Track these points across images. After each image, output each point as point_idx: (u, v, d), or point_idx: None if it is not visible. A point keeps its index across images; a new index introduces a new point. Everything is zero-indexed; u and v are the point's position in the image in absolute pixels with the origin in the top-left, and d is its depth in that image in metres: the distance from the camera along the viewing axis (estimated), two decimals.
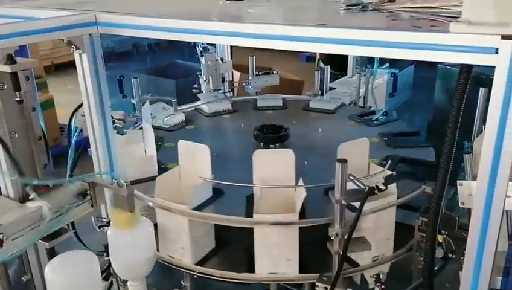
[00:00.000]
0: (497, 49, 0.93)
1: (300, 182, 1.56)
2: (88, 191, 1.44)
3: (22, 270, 1.50)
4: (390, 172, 1.57)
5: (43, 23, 1.31)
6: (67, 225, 1.92)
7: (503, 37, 0.92)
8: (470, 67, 1.04)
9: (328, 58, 2.85)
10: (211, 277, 1.57)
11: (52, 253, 1.50)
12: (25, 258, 1.47)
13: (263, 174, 1.57)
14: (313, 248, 1.59)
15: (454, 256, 1.57)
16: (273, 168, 1.55)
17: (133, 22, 1.44)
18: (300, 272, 1.53)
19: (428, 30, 1.08)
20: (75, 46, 1.46)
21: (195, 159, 1.62)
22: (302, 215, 1.50)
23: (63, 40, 1.43)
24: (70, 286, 1.31)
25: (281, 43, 1.21)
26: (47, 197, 1.33)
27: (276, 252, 1.50)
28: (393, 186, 1.49)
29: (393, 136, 2.08)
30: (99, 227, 1.71)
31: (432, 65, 3.58)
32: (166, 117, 2.32)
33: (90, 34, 1.45)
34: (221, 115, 2.51)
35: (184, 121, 2.39)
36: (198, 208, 1.56)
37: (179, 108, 2.46)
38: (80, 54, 1.47)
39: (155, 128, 2.23)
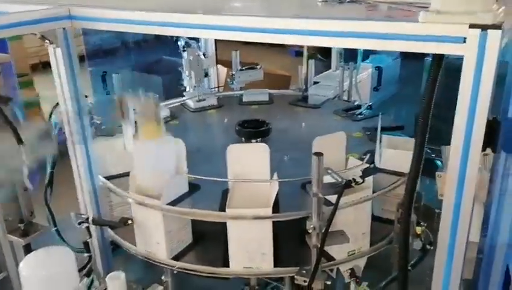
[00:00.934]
0: (465, 38, 0.93)
1: (275, 177, 1.55)
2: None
3: None
4: (367, 165, 1.56)
5: (13, 17, 1.30)
6: (48, 222, 1.94)
7: (471, 26, 0.92)
8: (441, 57, 1.04)
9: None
10: (188, 272, 1.57)
11: (28, 250, 1.49)
12: (1, 255, 1.46)
13: (237, 169, 1.56)
14: (289, 242, 1.59)
15: (432, 247, 1.57)
16: (248, 162, 1.54)
17: (108, 15, 1.42)
18: (276, 266, 1.52)
19: (398, 20, 1.07)
20: (49, 40, 1.44)
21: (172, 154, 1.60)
22: (277, 209, 1.49)
23: (35, 34, 1.42)
24: (45, 282, 1.29)
25: (259, 36, 1.20)
26: None
27: (250, 247, 1.50)
28: (369, 180, 1.49)
29: (376, 130, 2.07)
30: (79, 223, 1.70)
31: (419, 58, 3.58)
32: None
33: (64, 28, 1.44)
34: (206, 110, 2.50)
35: (169, 116, 2.37)
36: (174, 202, 1.54)
37: (163, 103, 2.44)
38: (54, 49, 1.46)
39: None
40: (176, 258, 1.58)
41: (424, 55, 3.67)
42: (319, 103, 2.48)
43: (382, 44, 1.03)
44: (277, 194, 1.52)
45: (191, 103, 2.51)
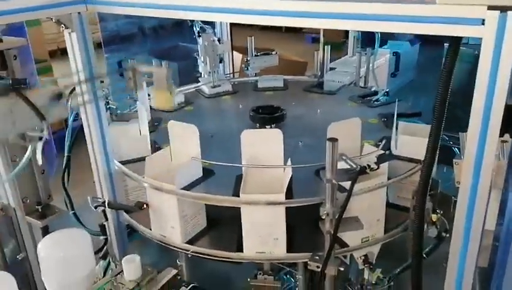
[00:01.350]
0: (483, 20, 0.90)
1: (288, 163, 1.54)
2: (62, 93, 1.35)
3: (17, 248, 1.51)
4: (383, 151, 1.55)
5: (29, 1, 1.30)
6: (66, 205, 1.97)
7: (490, 8, 0.89)
8: (459, 40, 1.02)
9: None
10: (201, 256, 1.58)
11: (45, 231, 1.52)
12: (20, 236, 1.49)
13: (251, 154, 1.55)
14: (303, 228, 1.59)
15: (448, 235, 1.55)
16: (262, 148, 1.54)
17: None
18: (289, 251, 1.52)
19: (416, 2, 1.04)
20: (64, 25, 1.45)
21: (185, 140, 1.61)
22: (290, 195, 1.49)
23: (51, 19, 1.42)
24: (62, 263, 1.31)
25: (268, 18, 1.18)
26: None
27: (263, 232, 1.50)
28: (384, 167, 1.47)
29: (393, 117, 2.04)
30: (95, 207, 1.72)
31: (438, 44, 3.50)
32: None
33: (79, 13, 1.44)
34: (221, 96, 2.51)
35: (183, 102, 2.38)
36: (188, 187, 1.55)
37: (178, 90, 2.45)
38: (69, 34, 1.46)
39: (154, 109, 2.24)
40: (190, 242, 1.60)
41: (443, 40, 3.59)
42: (335, 89, 2.46)
43: (398, 26, 1.01)
44: (291, 180, 1.51)
45: (206, 89, 2.51)
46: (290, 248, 1.53)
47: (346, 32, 2.87)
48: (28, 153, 1.25)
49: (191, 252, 1.58)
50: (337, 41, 3.31)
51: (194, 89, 2.58)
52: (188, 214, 1.57)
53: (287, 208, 1.48)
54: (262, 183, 1.52)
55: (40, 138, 1.23)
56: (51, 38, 5.31)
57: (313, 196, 1.48)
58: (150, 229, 1.66)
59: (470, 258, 1.09)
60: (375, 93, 2.33)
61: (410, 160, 1.66)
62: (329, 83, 2.46)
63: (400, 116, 2.01)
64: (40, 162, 1.32)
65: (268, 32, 5.66)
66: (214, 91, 2.50)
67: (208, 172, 1.65)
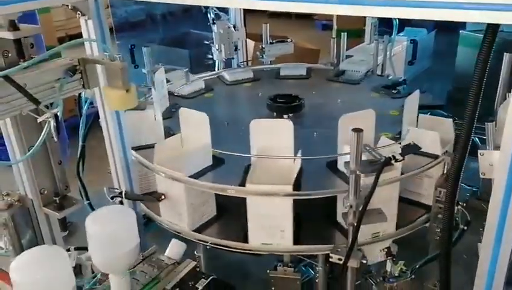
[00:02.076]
0: None
1: (299, 154, 1.51)
2: (78, 67, 1.27)
3: (34, 240, 1.49)
4: (409, 142, 1.50)
5: None
6: (81, 195, 1.95)
7: None
8: (496, 27, 0.97)
9: None
10: (206, 244, 1.59)
11: (63, 223, 1.50)
12: (37, 228, 1.47)
13: (261, 144, 1.53)
14: (311, 220, 1.59)
15: (466, 228, 1.53)
16: (271, 138, 1.51)
17: None
18: (296, 243, 1.52)
19: None
20: (81, 12, 1.41)
21: (196, 127, 1.60)
22: (299, 187, 1.47)
23: (67, 6, 1.39)
24: (109, 238, 1.25)
25: (284, 4, 1.15)
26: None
27: (269, 223, 1.49)
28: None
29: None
30: (112, 198, 1.70)
31: (453, 31, 3.44)
32: (180, 86, 2.28)
33: (95, 0, 1.41)
34: (242, 83, 2.47)
35: (204, 88, 2.36)
36: (196, 175, 1.54)
37: (198, 76, 2.44)
38: (85, 21, 1.43)
39: (172, 95, 2.23)
40: (198, 230, 1.59)
41: (457, 27, 3.53)
42: (357, 79, 2.41)
43: (434, 14, 0.97)
44: (300, 172, 1.49)
45: (227, 76, 2.48)
46: (297, 240, 1.52)
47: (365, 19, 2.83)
48: (44, 131, 1.22)
49: (197, 239, 1.58)
50: (354, 28, 3.25)
51: (215, 76, 2.56)
52: (195, 202, 1.56)
53: (295, 200, 1.46)
54: (271, 173, 1.50)
55: (55, 116, 1.20)
56: (59, 25, 5.30)
57: (322, 189, 1.47)
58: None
59: (504, 252, 1.06)
60: (399, 84, 2.26)
61: (426, 154, 1.62)
62: (351, 72, 2.40)
63: (423, 108, 1.97)
64: (55, 138, 1.28)
65: (278, 19, 5.59)
66: (234, 78, 2.46)
67: (218, 161, 1.64)
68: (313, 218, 1.60)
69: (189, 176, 1.52)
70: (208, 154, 1.60)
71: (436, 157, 1.61)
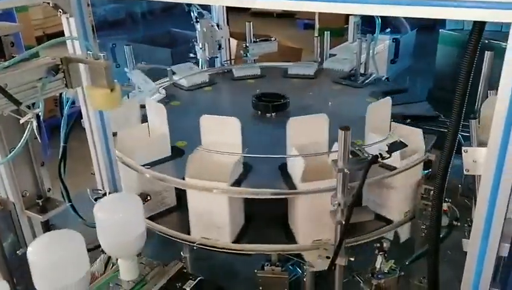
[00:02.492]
0: None
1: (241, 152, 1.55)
2: (60, 66, 1.24)
3: (17, 243, 1.46)
4: (394, 139, 1.51)
5: None
6: (63, 196, 1.91)
7: None
8: (482, 25, 0.98)
9: None
10: (157, 232, 1.65)
11: (47, 226, 1.46)
12: (20, 231, 1.43)
13: (211, 139, 1.56)
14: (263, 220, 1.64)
15: (459, 224, 1.55)
16: (220, 134, 1.55)
17: None
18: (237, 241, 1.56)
19: None
20: (62, 10, 1.38)
21: (157, 118, 1.67)
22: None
23: (48, 3, 1.35)
24: (117, 224, 1.29)
25: (266, 2, 1.13)
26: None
27: (206, 218, 1.54)
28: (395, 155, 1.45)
29: (384, 94, 2.05)
30: (96, 199, 1.67)
31: (433, 30, 3.49)
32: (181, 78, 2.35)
33: None
34: (246, 79, 2.52)
35: (207, 81, 2.42)
36: (151, 164, 1.61)
37: (204, 70, 2.50)
38: (67, 18, 1.40)
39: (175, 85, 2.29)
40: (151, 218, 1.65)
41: (435, 26, 3.58)
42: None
43: (424, 11, 0.97)
44: (249, 171, 1.55)
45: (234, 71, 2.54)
46: (241, 238, 1.55)
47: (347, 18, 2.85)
48: (26, 132, 1.19)
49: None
50: (335, 27, 3.27)
51: (221, 71, 2.61)
52: (149, 190, 1.60)
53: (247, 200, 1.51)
54: (212, 170, 1.51)
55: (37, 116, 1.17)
56: (37, 24, 5.19)
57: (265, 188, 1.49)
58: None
59: (491, 248, 1.07)
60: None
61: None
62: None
63: (387, 94, 1.97)
64: (39, 139, 1.27)
65: (260, 18, 5.59)
66: (241, 74, 2.52)
67: (178, 151, 1.68)
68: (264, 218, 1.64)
69: (141, 165, 1.58)
70: (164, 144, 1.64)
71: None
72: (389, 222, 1.62)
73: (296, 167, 1.50)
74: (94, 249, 1.46)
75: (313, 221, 1.48)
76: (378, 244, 1.47)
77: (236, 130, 1.49)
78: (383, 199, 1.62)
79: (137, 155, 1.54)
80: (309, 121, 1.55)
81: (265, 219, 1.62)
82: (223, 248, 1.56)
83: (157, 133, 1.62)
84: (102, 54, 1.23)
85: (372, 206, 1.62)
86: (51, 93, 1.25)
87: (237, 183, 1.50)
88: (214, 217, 1.50)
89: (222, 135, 1.52)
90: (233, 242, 1.54)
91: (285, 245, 1.54)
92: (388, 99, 1.66)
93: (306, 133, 1.42)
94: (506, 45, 0.91)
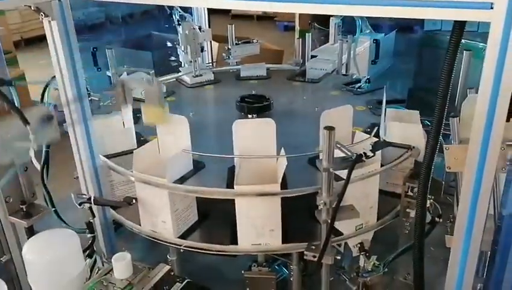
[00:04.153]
0: (492, 4, 0.89)
1: (282, 152, 1.52)
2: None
3: (0, 250, 1.44)
4: (376, 139, 1.54)
5: None
6: (46, 202, 1.88)
7: None
8: (462, 25, 1.01)
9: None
10: (195, 250, 1.56)
11: (31, 232, 1.45)
12: (3, 238, 1.41)
13: (243, 145, 1.53)
14: (298, 218, 1.59)
15: (441, 220, 1.58)
16: (253, 138, 1.52)
17: None
18: (284, 242, 1.52)
19: None
20: (44, 13, 1.37)
21: (174, 132, 1.59)
22: (285, 185, 1.47)
23: (30, 6, 1.34)
24: (50, 266, 1.25)
25: (247, 3, 1.13)
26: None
27: (258, 223, 1.48)
28: (377, 154, 1.47)
29: (379, 104, 2.07)
30: (80, 204, 1.65)
31: (412, 31, 3.55)
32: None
33: (59, 0, 1.36)
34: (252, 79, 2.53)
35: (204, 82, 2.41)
36: (179, 181, 1.53)
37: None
38: (49, 22, 1.38)
39: (137, 100, 2.18)
40: (182, 237, 1.57)
41: (413, 27, 3.63)
42: (317, 78, 2.44)
43: (403, 12, 0.99)
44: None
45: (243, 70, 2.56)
46: (285, 239, 1.52)
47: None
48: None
49: (184, 247, 1.55)
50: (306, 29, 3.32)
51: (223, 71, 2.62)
52: (179, 208, 1.54)
53: (282, 198, 1.46)
54: (256, 174, 1.49)
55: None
56: (15, 28, 5.10)
57: (306, 185, 1.47)
58: (139, 225, 1.61)
59: (474, 243, 1.10)
60: (358, 81, 2.32)
61: (401, 146, 1.67)
62: (312, 71, 2.44)
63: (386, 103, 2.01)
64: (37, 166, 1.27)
65: (240, 20, 5.61)
66: (247, 73, 2.54)
67: (198, 164, 1.62)
68: (299, 215, 1.62)
69: (172, 182, 1.52)
70: (188, 159, 1.61)
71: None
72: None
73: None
74: None
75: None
76: (359, 245, 1.49)
77: (272, 132, 1.51)
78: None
79: (168, 173, 1.48)
80: (338, 113, 1.58)
81: (294, 215, 1.62)
82: (274, 250, 1.55)
83: (180, 147, 1.59)
84: (155, 78, 1.50)
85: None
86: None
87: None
88: (267, 220, 1.49)
89: (256, 139, 1.53)
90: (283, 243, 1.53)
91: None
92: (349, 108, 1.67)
93: (335, 126, 1.42)
94: (483, 45, 0.94)
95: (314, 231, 1.54)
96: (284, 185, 1.47)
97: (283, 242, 1.52)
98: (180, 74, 2.50)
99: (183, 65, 2.55)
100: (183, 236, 1.57)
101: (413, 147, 1.65)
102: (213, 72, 2.54)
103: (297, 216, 1.61)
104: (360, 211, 1.46)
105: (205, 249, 1.54)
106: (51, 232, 1.31)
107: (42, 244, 1.26)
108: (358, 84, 2.25)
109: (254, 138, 1.52)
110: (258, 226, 1.48)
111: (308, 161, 1.62)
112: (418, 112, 1.78)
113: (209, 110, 2.26)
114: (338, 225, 1.50)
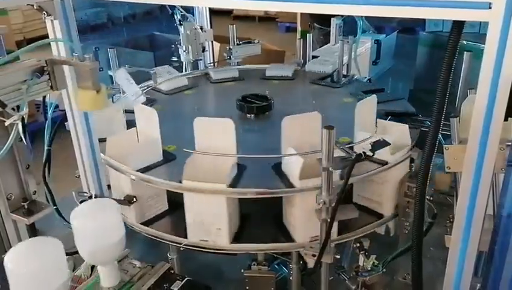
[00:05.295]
0: (490, 3, 0.90)
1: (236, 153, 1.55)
2: (45, 68, 1.24)
3: (2, 247, 1.44)
4: (377, 138, 1.54)
5: None
6: (47, 200, 1.89)
7: None
8: (461, 25, 1.01)
9: None
10: (151, 236, 1.62)
11: (32, 229, 1.45)
12: (5, 235, 1.42)
13: (203, 142, 1.56)
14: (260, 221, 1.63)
15: (434, 221, 1.58)
16: (215, 136, 1.54)
17: None
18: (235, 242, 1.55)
19: None
20: (46, 12, 1.38)
21: (147, 122, 1.63)
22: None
23: (32, 5, 1.35)
24: (95, 230, 1.22)
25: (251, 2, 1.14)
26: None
27: (205, 220, 1.53)
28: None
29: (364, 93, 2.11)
30: (81, 202, 1.66)
31: (413, 32, 3.56)
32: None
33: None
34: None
35: (186, 85, 2.42)
36: (143, 170, 1.58)
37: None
38: (51, 21, 1.40)
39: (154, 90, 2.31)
40: (146, 224, 1.63)
41: (414, 28, 3.64)
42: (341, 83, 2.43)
43: (402, 11, 1.00)
44: (244, 171, 1.54)
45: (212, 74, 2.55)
46: (238, 239, 1.54)
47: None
48: (12, 134, 1.18)
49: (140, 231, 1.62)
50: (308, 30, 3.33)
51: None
52: (142, 195, 1.59)
53: (241, 199, 1.51)
54: (208, 171, 1.50)
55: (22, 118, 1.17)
56: (17, 28, 5.13)
57: (263, 188, 1.48)
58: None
59: (473, 243, 1.10)
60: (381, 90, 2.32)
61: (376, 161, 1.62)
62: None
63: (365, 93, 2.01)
64: (24, 141, 1.26)
65: (242, 21, 5.62)
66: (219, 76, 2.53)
67: (169, 156, 1.67)
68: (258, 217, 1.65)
69: (136, 170, 1.57)
70: (156, 149, 1.64)
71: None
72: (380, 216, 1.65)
73: (293, 165, 1.50)
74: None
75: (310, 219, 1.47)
76: (358, 244, 1.49)
77: (231, 131, 1.50)
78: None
79: (131, 160, 1.53)
80: (303, 119, 1.56)
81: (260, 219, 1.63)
82: (220, 249, 1.56)
83: (149, 138, 1.61)
84: (87, 56, 1.23)
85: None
86: (36, 95, 1.25)
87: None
88: (213, 218, 1.50)
89: (216, 137, 1.53)
90: (231, 243, 1.54)
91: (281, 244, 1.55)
92: (374, 97, 1.67)
93: (300, 132, 1.43)
94: (484, 47, 0.95)
95: (273, 234, 1.57)
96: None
97: (233, 242, 1.54)
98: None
99: (184, 65, 2.56)
100: (146, 223, 1.62)
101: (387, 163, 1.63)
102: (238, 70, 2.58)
103: (261, 219, 1.63)
104: None
105: (159, 238, 1.61)
106: (34, 241, 1.27)
107: (24, 254, 1.22)
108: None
109: (214, 136, 1.54)
110: (206, 223, 1.52)
111: (273, 166, 1.61)
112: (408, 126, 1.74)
113: (209, 109, 2.28)
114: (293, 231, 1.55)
